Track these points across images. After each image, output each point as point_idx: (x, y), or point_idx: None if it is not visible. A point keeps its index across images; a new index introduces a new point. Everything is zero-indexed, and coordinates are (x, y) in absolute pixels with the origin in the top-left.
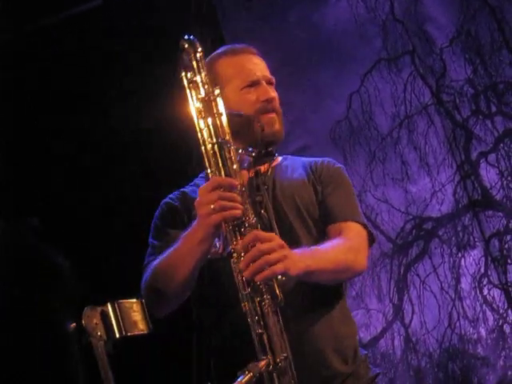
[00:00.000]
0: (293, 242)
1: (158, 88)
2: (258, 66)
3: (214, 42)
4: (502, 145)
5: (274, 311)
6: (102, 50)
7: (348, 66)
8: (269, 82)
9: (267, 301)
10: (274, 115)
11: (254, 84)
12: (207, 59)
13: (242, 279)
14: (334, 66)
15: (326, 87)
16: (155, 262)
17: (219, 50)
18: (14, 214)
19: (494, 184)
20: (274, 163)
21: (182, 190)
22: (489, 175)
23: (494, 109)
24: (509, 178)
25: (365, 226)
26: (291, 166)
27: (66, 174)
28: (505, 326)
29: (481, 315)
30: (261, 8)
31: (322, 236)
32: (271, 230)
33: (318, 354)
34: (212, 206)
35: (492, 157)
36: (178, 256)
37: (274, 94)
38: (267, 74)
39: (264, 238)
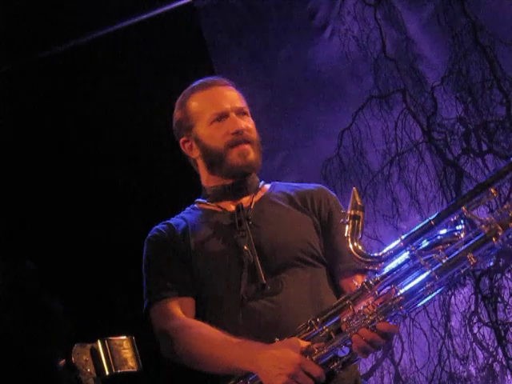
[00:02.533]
0: (276, 282)
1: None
2: (227, 98)
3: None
4: None
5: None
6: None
7: (339, 103)
8: (240, 112)
9: (338, 363)
10: (245, 146)
11: (223, 116)
12: (181, 95)
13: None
14: (325, 103)
15: (317, 124)
16: (192, 342)
17: (192, 85)
18: (10, 256)
19: None
20: (260, 194)
21: (167, 221)
22: (479, 213)
23: (485, 147)
24: None
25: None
26: (280, 196)
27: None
28: (495, 365)
29: (471, 353)
30: (252, 44)
31: (312, 274)
32: (254, 267)
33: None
34: (288, 381)
35: None
36: (216, 364)
37: (245, 124)
38: (238, 104)
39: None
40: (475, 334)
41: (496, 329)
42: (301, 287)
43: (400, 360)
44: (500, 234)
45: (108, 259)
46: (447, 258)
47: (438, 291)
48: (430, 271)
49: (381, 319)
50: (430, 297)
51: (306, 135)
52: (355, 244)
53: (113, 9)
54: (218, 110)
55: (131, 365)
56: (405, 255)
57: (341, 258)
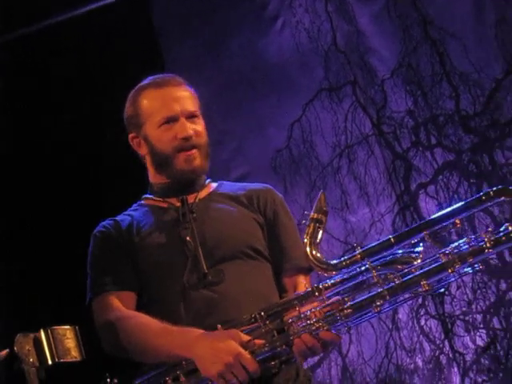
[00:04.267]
0: (218, 272)
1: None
2: (179, 101)
3: (155, 68)
4: (441, 177)
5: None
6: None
7: (290, 95)
8: (191, 116)
9: (276, 362)
10: (192, 152)
11: (173, 120)
12: (133, 90)
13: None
14: (275, 95)
15: (267, 116)
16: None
17: (145, 81)
18: None
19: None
20: (206, 191)
21: (114, 218)
22: (428, 206)
23: (433, 141)
24: None
25: (311, 269)
26: (226, 194)
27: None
28: (441, 357)
29: (418, 346)
30: (203, 35)
31: (255, 268)
32: (196, 257)
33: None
34: (223, 370)
35: (431, 188)
36: (157, 353)
37: (194, 128)
38: (189, 107)
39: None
40: (422, 327)
41: (443, 321)
42: (242, 279)
43: (347, 352)
44: (457, 266)
45: (52, 250)
46: (401, 280)
47: (386, 309)
48: (381, 289)
49: (325, 328)
50: (377, 314)
51: (255, 127)
52: (312, 247)
53: None
54: (167, 114)
55: (74, 354)
56: (360, 268)
57: (285, 256)
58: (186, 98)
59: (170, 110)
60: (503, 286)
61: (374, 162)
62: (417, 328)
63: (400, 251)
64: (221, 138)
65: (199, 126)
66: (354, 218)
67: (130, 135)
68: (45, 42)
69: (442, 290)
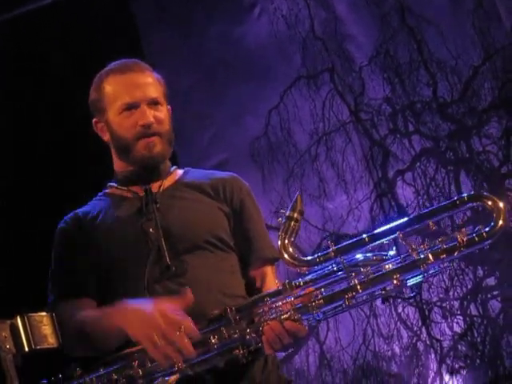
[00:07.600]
0: (181, 263)
1: None
2: (141, 87)
3: (134, 56)
4: (418, 164)
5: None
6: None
7: (268, 83)
8: (152, 103)
9: (244, 351)
10: (153, 139)
11: (133, 107)
12: (98, 74)
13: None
14: (253, 82)
15: (245, 103)
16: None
17: (109, 66)
18: None
19: (409, 202)
20: (171, 180)
21: (76, 211)
22: (405, 193)
23: (411, 128)
24: (425, 197)
25: (277, 259)
26: (191, 182)
27: None
28: (418, 344)
29: (395, 332)
30: (181, 23)
31: (220, 258)
32: (159, 250)
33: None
34: (156, 339)
35: (408, 175)
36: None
37: (155, 115)
38: (151, 93)
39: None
40: (400, 314)
41: (420, 308)
42: (207, 269)
43: (325, 339)
44: (429, 263)
45: (28, 238)
46: (373, 275)
47: (355, 306)
48: (353, 283)
49: (296, 317)
50: (347, 309)
51: (234, 114)
52: (286, 243)
53: None
54: (128, 100)
55: (51, 341)
56: (333, 266)
57: (252, 246)
58: (148, 84)
59: (131, 96)
60: (480, 272)
61: (352, 149)
62: (394, 315)
63: (369, 254)
64: (199, 125)
65: (161, 113)
66: (331, 205)
67: (94, 120)
68: (21, 28)
69: (412, 294)
